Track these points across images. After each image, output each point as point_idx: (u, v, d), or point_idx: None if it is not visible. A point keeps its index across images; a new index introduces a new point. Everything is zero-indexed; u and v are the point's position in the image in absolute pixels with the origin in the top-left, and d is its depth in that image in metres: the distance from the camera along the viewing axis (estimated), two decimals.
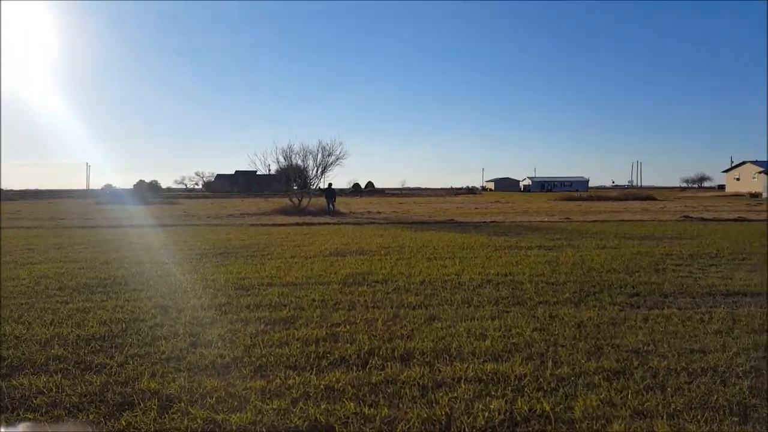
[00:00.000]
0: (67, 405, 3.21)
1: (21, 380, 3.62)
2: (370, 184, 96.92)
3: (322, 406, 3.12)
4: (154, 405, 3.18)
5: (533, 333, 4.59)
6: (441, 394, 3.29)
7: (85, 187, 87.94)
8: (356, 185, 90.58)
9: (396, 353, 4.07)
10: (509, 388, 3.41)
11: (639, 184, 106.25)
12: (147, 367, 3.85)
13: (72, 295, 6.42)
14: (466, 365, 3.78)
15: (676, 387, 3.43)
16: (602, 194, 49.67)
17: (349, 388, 3.41)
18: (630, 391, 3.35)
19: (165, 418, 3.01)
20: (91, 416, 3.05)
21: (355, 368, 3.78)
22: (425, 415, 3.02)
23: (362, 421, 2.95)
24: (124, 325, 4.99)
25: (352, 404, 3.15)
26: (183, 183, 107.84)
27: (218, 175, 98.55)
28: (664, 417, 3.01)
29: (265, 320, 5.11)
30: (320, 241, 12.11)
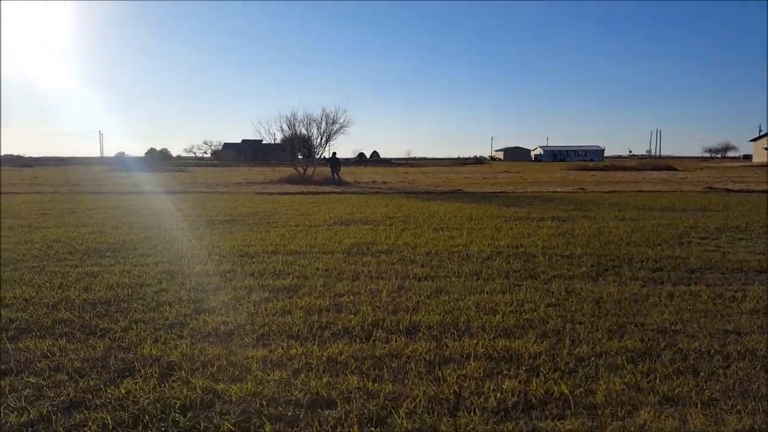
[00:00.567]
0: (70, 370, 3.20)
1: (27, 343, 3.63)
2: (375, 153, 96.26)
3: (324, 379, 3.07)
4: (155, 372, 3.16)
5: (548, 309, 4.42)
6: (449, 371, 3.18)
7: (99, 155, 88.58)
8: (361, 155, 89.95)
9: (401, 326, 4.00)
10: (523, 367, 3.26)
11: (658, 154, 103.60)
12: (150, 333, 3.83)
13: (82, 259, 6.45)
14: (475, 341, 3.67)
15: (709, 371, 3.17)
16: (618, 164, 48.34)
17: (352, 360, 3.35)
18: (658, 375, 3.13)
19: (165, 386, 2.98)
20: (92, 382, 3.03)
21: (358, 340, 3.72)
22: (432, 392, 2.90)
23: (365, 397, 2.87)
24: (130, 290, 4.99)
25: (354, 378, 3.09)
26: (192, 152, 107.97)
27: (226, 144, 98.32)
28: (698, 405, 2.76)
29: (268, 288, 5.07)
30: (325, 210, 12.02)
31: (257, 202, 14.57)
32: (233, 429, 2.56)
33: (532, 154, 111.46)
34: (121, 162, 47.44)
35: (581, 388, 2.96)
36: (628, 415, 2.69)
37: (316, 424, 2.60)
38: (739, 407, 2.75)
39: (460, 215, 10.98)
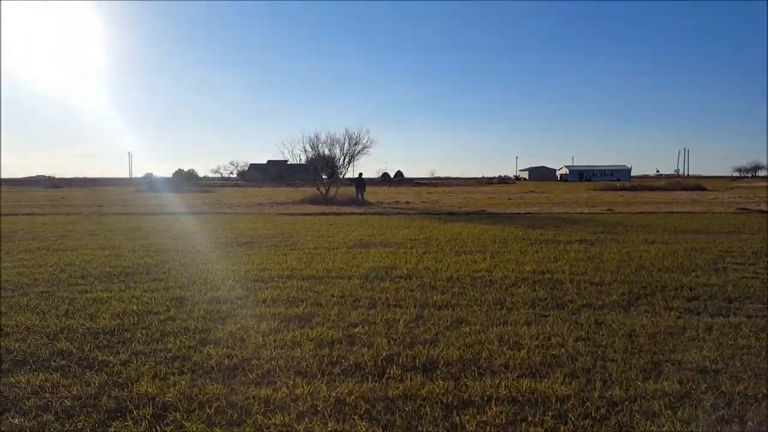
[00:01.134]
0: (58, 410, 2.97)
1: (20, 377, 3.44)
2: (399, 173, 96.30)
3: (330, 425, 2.76)
4: (148, 414, 2.90)
5: (576, 343, 4.05)
6: (467, 417, 2.85)
7: (128, 176, 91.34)
8: (385, 174, 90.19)
9: (417, 361, 3.67)
10: (549, 413, 2.92)
11: (686, 173, 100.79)
12: (150, 368, 3.60)
13: (93, 284, 6.33)
14: (497, 380, 3.33)
15: (759, 421, 2.84)
16: (646, 183, 47.11)
17: (362, 402, 3.03)
18: (700, 424, 2.79)
19: (156, 431, 2.72)
20: (79, 424, 2.79)
21: (370, 378, 3.40)
22: None
23: None
24: (136, 318, 4.80)
25: (363, 424, 2.78)
26: (219, 172, 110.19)
27: (251, 165, 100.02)
28: None
29: (280, 317, 4.81)
30: (345, 232, 11.79)
31: (278, 223, 14.48)
32: None
33: (558, 173, 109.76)
34: (147, 182, 48.55)
35: None
36: None
37: None
38: None
39: (483, 237, 10.59)
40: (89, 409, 2.98)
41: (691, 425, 2.78)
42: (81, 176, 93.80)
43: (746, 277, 6.46)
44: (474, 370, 3.51)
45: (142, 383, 3.32)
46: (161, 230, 12.65)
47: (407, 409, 2.96)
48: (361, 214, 18.14)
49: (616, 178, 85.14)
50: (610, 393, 3.16)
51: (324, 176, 27.08)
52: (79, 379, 3.40)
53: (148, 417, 2.87)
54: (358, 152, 26.02)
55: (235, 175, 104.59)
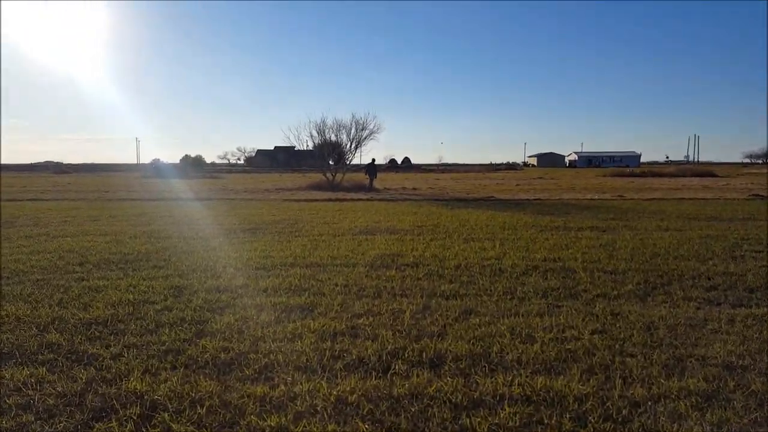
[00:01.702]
0: (40, 409, 2.78)
1: (3, 372, 3.26)
2: (406, 159, 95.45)
3: (329, 428, 2.54)
4: (134, 414, 2.70)
5: (593, 336, 3.81)
6: (478, 419, 2.62)
7: (136, 161, 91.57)
8: (392, 161, 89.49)
9: (424, 356, 3.44)
10: (567, 414, 2.68)
11: (696, 160, 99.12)
12: (141, 362, 3.40)
13: (90, 272, 6.16)
14: (510, 377, 3.10)
15: None
16: (657, 170, 46.33)
17: (365, 402, 2.81)
18: (732, 429, 2.56)
19: None
20: (60, 425, 2.60)
21: (374, 374, 3.18)
22: None
23: None
24: (131, 308, 4.61)
25: (366, 426, 2.56)
26: (226, 158, 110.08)
27: (258, 151, 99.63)
28: None
29: (281, 307, 4.60)
30: (351, 218, 11.56)
31: (283, 209, 14.27)
32: None
33: (567, 159, 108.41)
34: (154, 168, 48.41)
35: None
36: None
37: None
38: None
39: (492, 224, 10.30)
40: (73, 409, 2.79)
41: (722, 429, 2.54)
42: (89, 162, 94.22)
43: (766, 266, 6.19)
44: (484, 366, 3.28)
45: (132, 379, 3.12)
46: (165, 216, 12.49)
47: (413, 410, 2.73)
48: (367, 200, 17.88)
49: (625, 164, 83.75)
50: (631, 392, 2.92)
51: (331, 162, 26.79)
52: (66, 375, 3.21)
53: (135, 417, 2.67)
54: (365, 138, 25.69)
55: (242, 162, 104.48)
